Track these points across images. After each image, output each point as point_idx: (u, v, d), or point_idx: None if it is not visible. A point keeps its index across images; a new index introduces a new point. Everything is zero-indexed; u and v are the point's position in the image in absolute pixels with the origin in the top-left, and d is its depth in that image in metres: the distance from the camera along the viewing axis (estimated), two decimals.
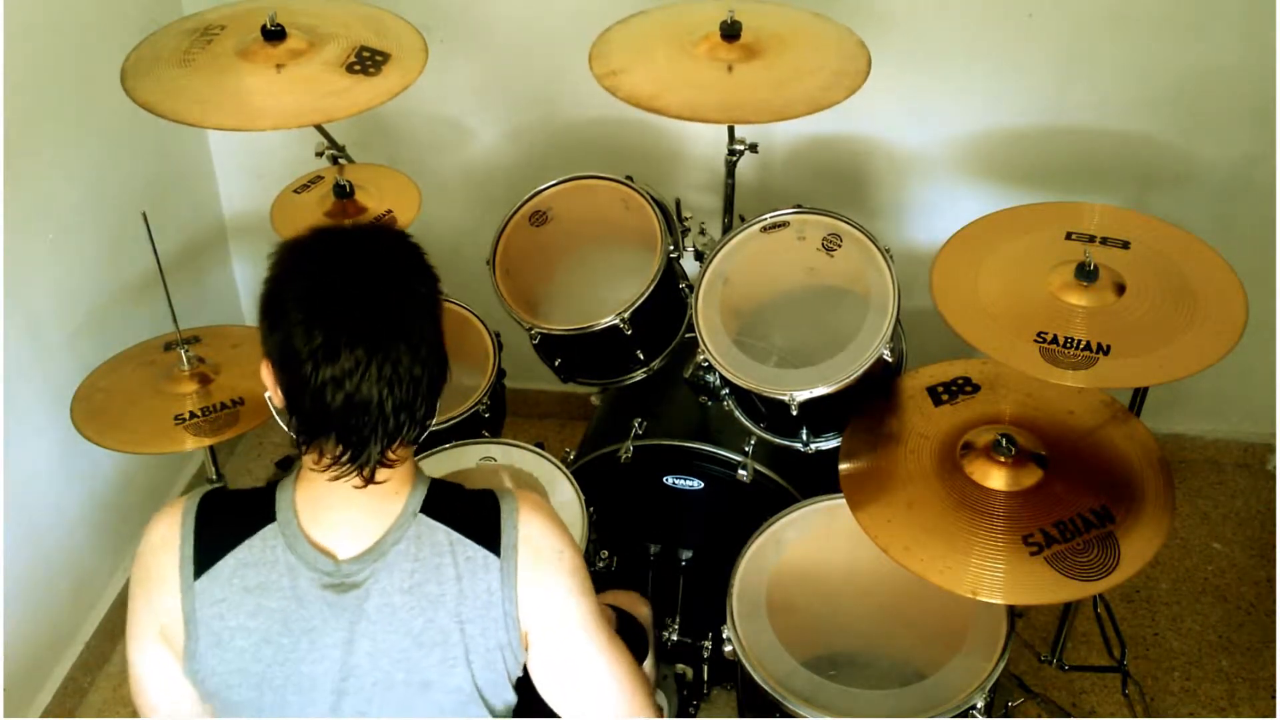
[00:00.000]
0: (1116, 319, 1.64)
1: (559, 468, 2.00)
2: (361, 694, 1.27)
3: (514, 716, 1.37)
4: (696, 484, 2.08)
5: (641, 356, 2.13)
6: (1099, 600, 2.26)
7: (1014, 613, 1.74)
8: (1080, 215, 1.84)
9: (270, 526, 1.27)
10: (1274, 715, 2.27)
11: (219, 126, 1.78)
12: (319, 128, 2.06)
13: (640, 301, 2.01)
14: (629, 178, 2.15)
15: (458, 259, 2.36)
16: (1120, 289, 1.68)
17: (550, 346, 2.14)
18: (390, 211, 2.09)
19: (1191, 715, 2.28)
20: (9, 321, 2.08)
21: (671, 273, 2.10)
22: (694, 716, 2.22)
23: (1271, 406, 2.68)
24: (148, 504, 2.57)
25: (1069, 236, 1.78)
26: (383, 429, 1.20)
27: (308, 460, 1.25)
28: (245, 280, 2.96)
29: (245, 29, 1.86)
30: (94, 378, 2.02)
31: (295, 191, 2.18)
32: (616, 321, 2.02)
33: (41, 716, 2.25)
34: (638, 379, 2.18)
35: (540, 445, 2.05)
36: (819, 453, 1.95)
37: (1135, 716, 2.22)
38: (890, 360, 1.84)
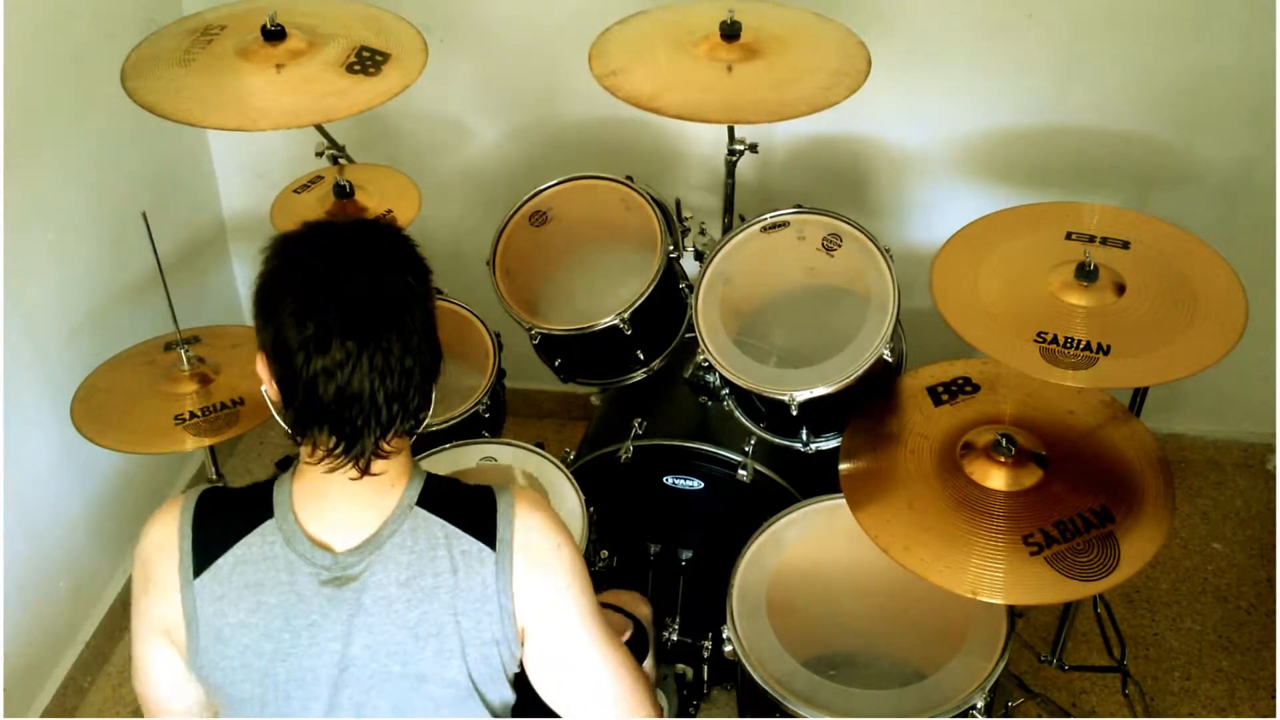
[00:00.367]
0: (1116, 319, 1.64)
1: (559, 468, 2.00)
2: (359, 686, 1.28)
3: (513, 717, 1.37)
4: (696, 484, 2.08)
5: (641, 356, 2.13)
6: (1099, 600, 2.26)
7: (1014, 613, 1.74)
8: (1080, 215, 1.84)
9: (269, 523, 1.27)
10: (1274, 715, 2.27)
11: (219, 126, 1.78)
12: (319, 128, 2.06)
13: (640, 301, 2.01)
14: (629, 178, 2.15)
15: (458, 259, 2.37)
16: (1120, 289, 1.68)
17: (550, 346, 2.14)
18: (390, 211, 2.09)
19: (1191, 715, 2.28)
20: (9, 321, 2.08)
21: (671, 273, 2.10)
22: (694, 716, 2.22)
23: (1271, 406, 2.68)
24: (148, 504, 2.57)
25: (1069, 236, 1.78)
26: (375, 420, 1.20)
27: (303, 454, 1.26)
28: (245, 280, 2.96)
29: (245, 29, 1.86)
30: (94, 378, 2.02)
31: (295, 191, 2.18)
32: (616, 321, 2.02)
33: (41, 716, 2.25)
34: (638, 379, 2.18)
35: (540, 445, 2.05)
36: (819, 453, 1.95)
37: (1135, 716, 2.22)
38: (890, 360, 1.84)
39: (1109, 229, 1.79)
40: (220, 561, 1.26)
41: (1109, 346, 1.59)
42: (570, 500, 1.94)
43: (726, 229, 2.17)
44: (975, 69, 2.42)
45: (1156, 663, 2.38)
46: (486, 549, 1.28)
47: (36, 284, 2.17)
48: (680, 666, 2.19)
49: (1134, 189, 2.51)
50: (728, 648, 1.76)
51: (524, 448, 2.03)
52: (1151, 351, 1.60)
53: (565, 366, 2.19)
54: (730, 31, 1.93)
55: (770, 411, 1.93)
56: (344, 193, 2.10)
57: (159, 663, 1.32)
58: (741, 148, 2.06)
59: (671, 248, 2.07)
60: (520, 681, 1.35)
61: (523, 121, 2.63)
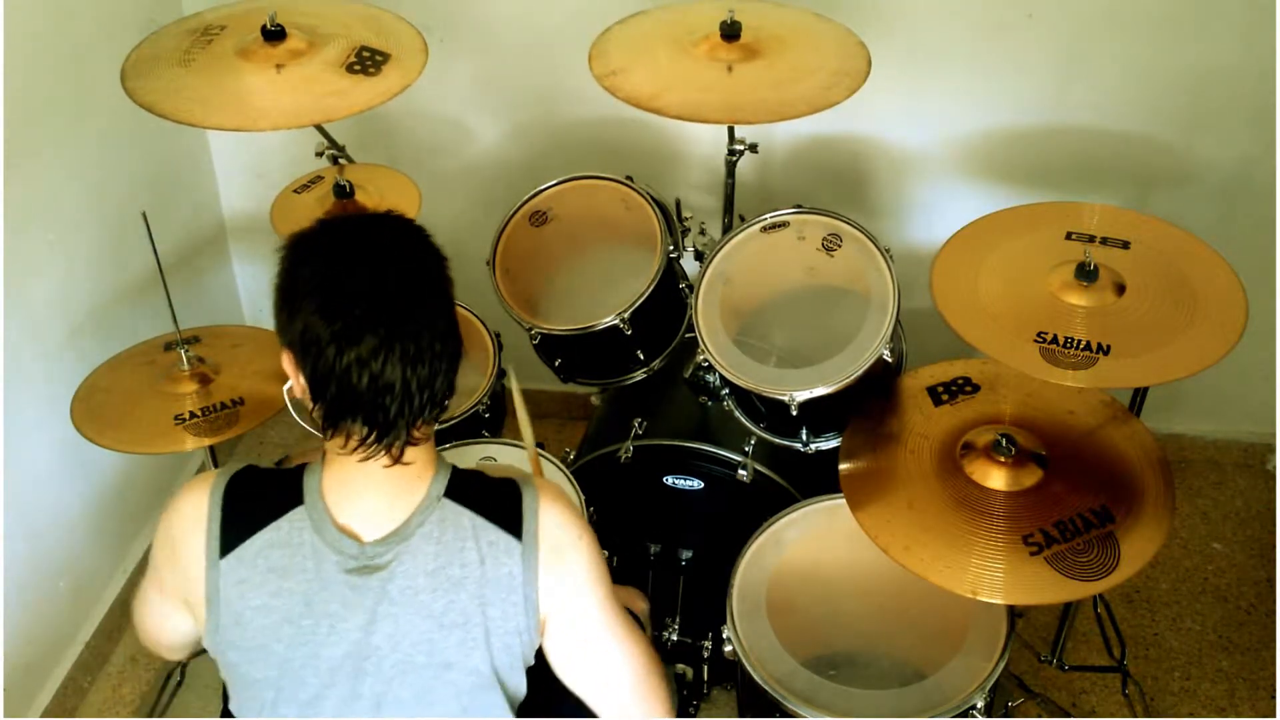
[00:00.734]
0: (1116, 319, 1.64)
1: (559, 468, 2.00)
2: (381, 675, 1.29)
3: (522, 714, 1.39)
4: (696, 484, 2.08)
5: (641, 356, 2.13)
6: (1099, 600, 2.26)
7: (1014, 613, 1.74)
8: (1080, 215, 1.84)
9: (298, 509, 1.29)
10: (1274, 715, 2.27)
11: (219, 126, 1.78)
12: (319, 128, 2.06)
13: (640, 301, 2.01)
14: (629, 178, 2.15)
15: (458, 259, 2.32)
16: (1120, 289, 1.68)
17: (550, 346, 2.14)
18: (390, 211, 2.08)
19: (1191, 715, 2.28)
20: (9, 321, 2.08)
21: (671, 273, 2.10)
22: (694, 717, 2.22)
23: (1271, 406, 2.68)
24: (148, 504, 2.57)
25: (1069, 236, 1.79)
26: (408, 407, 1.23)
27: (333, 446, 1.27)
28: (245, 280, 2.97)
29: (245, 29, 1.86)
30: (94, 378, 2.02)
31: (295, 191, 2.18)
32: (616, 321, 2.02)
33: (41, 716, 2.25)
34: (638, 379, 2.18)
35: (540, 445, 2.04)
36: (819, 453, 1.95)
37: (1135, 716, 2.22)
38: (890, 360, 1.84)
39: (1109, 229, 1.79)
40: (247, 544, 1.28)
41: (1109, 346, 1.59)
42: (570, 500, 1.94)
43: (726, 229, 2.17)
44: (975, 69, 2.42)
45: (1156, 663, 2.38)
46: (513, 540, 1.30)
47: (37, 284, 2.17)
48: (680, 666, 2.19)
49: (1134, 189, 2.51)
50: (728, 648, 1.76)
51: (524, 447, 2.03)
52: (1151, 351, 1.60)
53: (565, 366, 2.19)
54: (730, 31, 1.93)
55: (770, 411, 1.93)
56: (344, 193, 2.10)
57: (169, 617, 1.37)
58: (741, 148, 2.06)
59: (671, 248, 2.07)
60: (532, 674, 1.37)
61: (523, 121, 2.63)
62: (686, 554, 2.17)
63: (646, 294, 2.02)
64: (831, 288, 1.95)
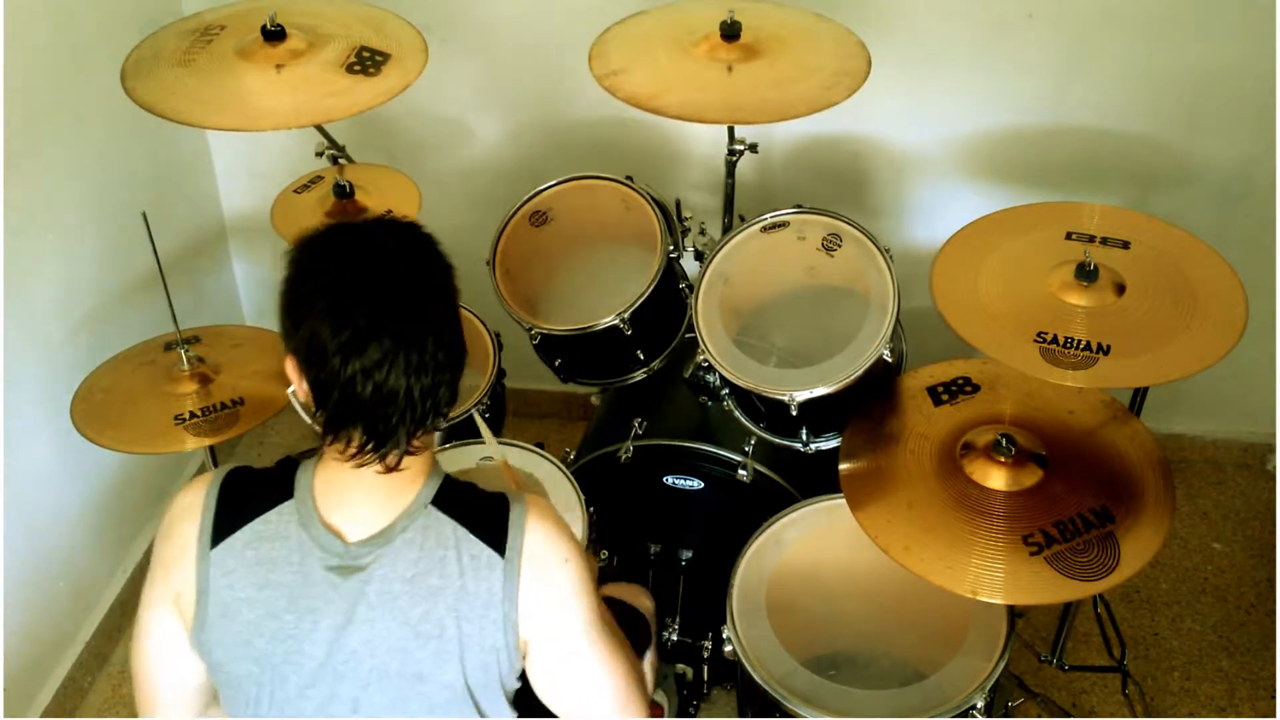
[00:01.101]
0: (1116, 319, 1.64)
1: (559, 468, 2.00)
2: (357, 680, 1.28)
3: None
4: (696, 484, 2.08)
5: (641, 356, 2.13)
6: (1099, 600, 2.26)
7: (1014, 613, 1.74)
8: (1080, 215, 1.84)
9: (288, 503, 1.29)
10: (1274, 715, 2.27)
11: (219, 126, 1.78)
12: (319, 128, 2.06)
13: (640, 301, 2.01)
14: (629, 178, 2.15)
15: (458, 259, 2.34)
16: (1120, 289, 1.68)
17: (550, 346, 2.14)
18: (390, 212, 2.06)
19: (1191, 715, 2.28)
20: (9, 321, 2.08)
21: (671, 273, 2.10)
22: (694, 717, 2.22)
23: (1271, 406, 2.68)
24: (148, 504, 2.57)
25: (1069, 236, 1.79)
26: (410, 416, 1.22)
27: (332, 450, 1.26)
28: (245, 280, 2.97)
29: (245, 29, 1.87)
30: (94, 377, 2.02)
31: (295, 191, 2.18)
32: (616, 321, 2.02)
33: (41, 717, 2.25)
34: (638, 379, 2.18)
35: (540, 445, 2.05)
36: (819, 453, 1.95)
37: (1135, 716, 2.22)
38: (890, 360, 1.84)
39: (1109, 229, 1.79)
40: (236, 535, 1.28)
41: (1109, 346, 1.59)
42: (570, 500, 1.94)
43: (726, 229, 2.17)
44: (975, 69, 2.42)
45: (1156, 663, 2.38)
46: (496, 555, 1.28)
47: (37, 284, 2.17)
48: (680, 666, 2.19)
49: (1134, 189, 2.51)
50: (728, 648, 1.76)
51: (524, 448, 2.03)
52: (1151, 351, 1.60)
53: (565, 366, 2.19)
54: (730, 32, 1.93)
55: (770, 411, 1.93)
56: (344, 193, 2.10)
57: (161, 633, 1.33)
58: (741, 148, 2.06)
59: (671, 248, 2.07)
60: (521, 693, 1.36)
61: (523, 121, 2.63)
62: (686, 554, 2.16)
63: (646, 294, 2.02)
64: (831, 288, 1.95)
